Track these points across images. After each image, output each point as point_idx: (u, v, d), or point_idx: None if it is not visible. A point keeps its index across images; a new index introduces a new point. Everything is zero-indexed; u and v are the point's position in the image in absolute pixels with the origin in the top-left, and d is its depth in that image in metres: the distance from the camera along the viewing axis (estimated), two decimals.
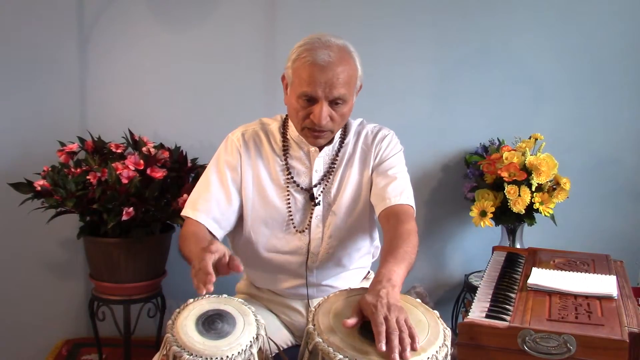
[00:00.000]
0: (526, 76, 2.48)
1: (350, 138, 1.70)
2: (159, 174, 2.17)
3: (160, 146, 2.34)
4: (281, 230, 1.67)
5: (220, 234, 1.64)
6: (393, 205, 1.58)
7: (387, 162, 1.67)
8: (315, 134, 1.59)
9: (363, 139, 1.70)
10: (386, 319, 1.21)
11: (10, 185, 2.21)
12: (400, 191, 1.61)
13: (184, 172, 2.29)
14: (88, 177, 2.13)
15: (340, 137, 1.70)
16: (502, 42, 2.46)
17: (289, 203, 1.66)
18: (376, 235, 1.80)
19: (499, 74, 2.48)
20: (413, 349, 1.19)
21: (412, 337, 1.20)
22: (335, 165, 1.68)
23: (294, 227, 1.67)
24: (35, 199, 2.19)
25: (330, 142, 1.67)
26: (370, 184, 1.67)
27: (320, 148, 1.66)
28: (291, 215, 1.67)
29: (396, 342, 1.17)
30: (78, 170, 2.18)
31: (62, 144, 2.30)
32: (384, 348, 1.16)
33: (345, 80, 1.54)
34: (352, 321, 1.23)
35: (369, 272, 1.87)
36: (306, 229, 1.67)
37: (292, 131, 1.68)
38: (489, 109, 2.50)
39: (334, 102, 1.54)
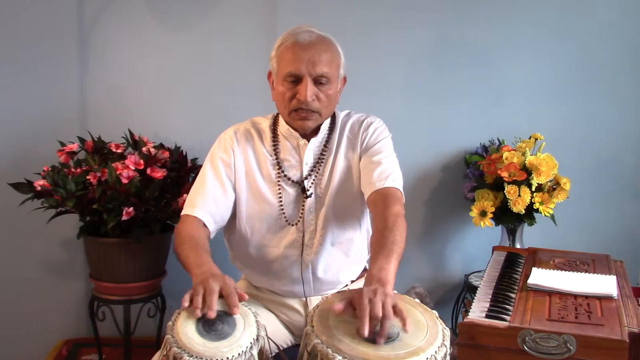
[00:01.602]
0: (526, 76, 2.47)
1: (337, 128, 1.73)
2: (159, 174, 2.17)
3: (160, 146, 2.34)
4: (275, 224, 1.69)
5: (212, 228, 1.65)
6: (379, 189, 1.59)
7: (373, 148, 1.69)
8: (302, 115, 1.62)
9: (349, 128, 1.73)
10: (371, 301, 1.23)
11: (10, 185, 2.21)
12: (386, 175, 1.62)
13: (184, 172, 2.29)
14: (88, 177, 2.13)
15: (328, 129, 1.72)
16: (502, 42, 2.46)
17: (280, 197, 1.68)
18: (368, 225, 1.80)
19: (499, 74, 2.47)
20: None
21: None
22: (324, 156, 1.70)
23: (286, 220, 1.68)
24: (35, 199, 2.19)
25: (317, 131, 1.69)
26: (359, 172, 1.69)
27: (309, 139, 1.69)
28: (282, 209, 1.68)
29: (366, 319, 1.20)
30: (78, 170, 2.18)
31: (62, 144, 2.30)
32: (365, 334, 1.19)
33: (328, 59, 1.60)
34: (339, 306, 1.26)
35: (365, 269, 1.87)
36: (298, 221, 1.69)
37: (282, 126, 1.71)
38: (489, 109, 2.50)
39: (318, 82, 1.59)
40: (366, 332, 1.19)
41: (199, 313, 1.27)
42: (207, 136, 2.43)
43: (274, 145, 1.71)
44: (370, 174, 1.63)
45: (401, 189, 1.63)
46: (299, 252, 1.70)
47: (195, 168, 2.31)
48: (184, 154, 2.34)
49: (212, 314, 1.27)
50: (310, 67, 1.57)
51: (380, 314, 1.21)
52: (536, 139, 2.29)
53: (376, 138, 1.70)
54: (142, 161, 2.16)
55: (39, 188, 2.14)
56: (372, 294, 1.25)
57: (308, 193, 1.68)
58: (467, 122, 2.50)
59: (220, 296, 1.33)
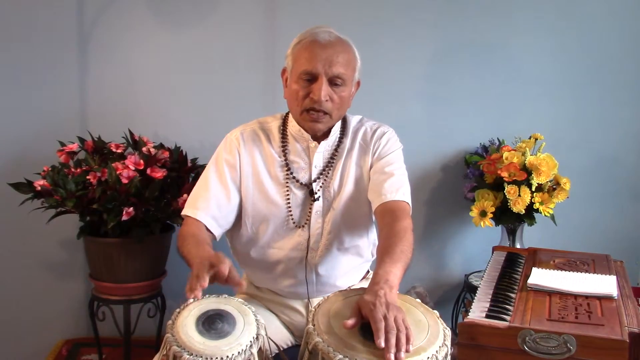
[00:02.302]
0: (526, 76, 2.48)
1: (349, 134, 1.72)
2: (159, 174, 2.17)
3: (160, 146, 2.34)
4: (281, 226, 1.68)
5: (218, 232, 1.65)
6: (389, 201, 1.59)
7: (385, 158, 1.68)
8: (313, 116, 1.60)
9: (362, 136, 1.72)
10: (385, 317, 1.22)
11: (10, 185, 2.21)
12: (397, 188, 1.61)
13: (184, 172, 2.29)
14: (88, 177, 2.13)
15: (339, 133, 1.71)
16: (502, 42, 2.46)
17: (288, 199, 1.67)
18: (374, 231, 1.80)
19: (499, 74, 2.48)
20: (406, 350, 1.19)
21: (407, 339, 1.20)
22: (334, 160, 1.69)
23: (293, 222, 1.67)
24: (35, 199, 2.19)
25: (327, 135, 1.68)
26: (368, 180, 1.68)
27: (319, 141, 1.67)
28: (290, 211, 1.67)
29: (393, 341, 1.18)
30: (78, 170, 2.18)
31: (62, 144, 2.30)
32: (382, 345, 1.17)
33: (345, 61, 1.58)
34: (351, 322, 1.24)
35: (368, 271, 1.87)
36: (305, 224, 1.68)
37: (292, 127, 1.69)
38: (489, 109, 2.50)
39: (333, 83, 1.58)
40: (383, 343, 1.17)
41: (198, 294, 1.28)
42: (207, 136, 2.45)
43: (282, 146, 1.69)
44: (380, 185, 1.62)
45: (410, 203, 1.63)
46: (303, 255, 1.69)
47: (195, 168, 2.31)
48: (184, 154, 2.34)
49: (204, 283, 1.29)
50: (327, 67, 1.56)
51: (394, 329, 1.20)
52: (536, 139, 2.29)
53: (389, 149, 1.69)
54: (142, 161, 2.16)
55: (39, 188, 2.14)
56: (385, 309, 1.24)
57: (316, 196, 1.68)
58: (467, 122, 2.50)
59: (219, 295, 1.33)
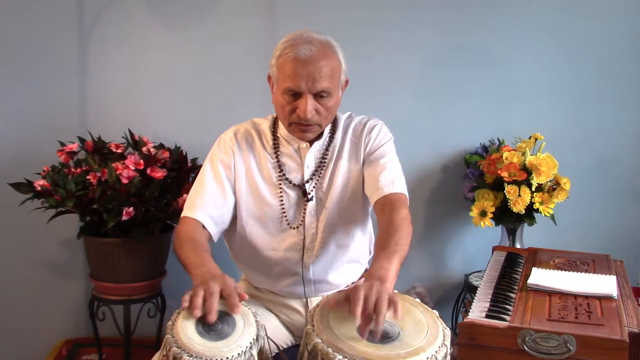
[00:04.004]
0: (526, 76, 2.47)
1: (339, 131, 1.72)
2: (159, 174, 2.17)
3: (160, 146, 2.34)
4: (275, 227, 1.69)
5: (214, 230, 1.64)
6: (387, 194, 1.59)
7: (378, 151, 1.68)
8: (302, 128, 1.61)
9: (352, 131, 1.72)
10: (366, 296, 1.24)
11: (10, 185, 2.21)
12: (392, 180, 1.62)
13: (184, 172, 2.29)
14: (88, 177, 2.13)
15: (329, 132, 1.71)
16: (502, 42, 2.46)
17: (282, 200, 1.67)
18: (369, 227, 1.80)
19: (499, 74, 2.48)
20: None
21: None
22: (326, 160, 1.69)
23: (288, 223, 1.68)
24: (35, 199, 2.19)
25: (319, 136, 1.68)
26: (362, 176, 1.68)
27: (311, 143, 1.68)
28: (284, 212, 1.67)
29: (369, 305, 1.22)
30: (78, 170, 2.18)
31: (62, 144, 2.30)
32: (358, 321, 1.21)
33: (328, 73, 1.56)
34: (333, 300, 1.29)
35: (366, 269, 1.86)
36: (300, 224, 1.68)
37: (282, 129, 1.70)
38: (489, 109, 2.50)
39: (318, 96, 1.57)
40: (358, 321, 1.21)
41: (198, 313, 1.26)
42: (207, 136, 2.43)
43: (274, 147, 1.70)
44: (376, 179, 1.63)
45: (406, 193, 1.64)
46: (299, 255, 1.70)
47: (195, 168, 2.31)
48: (184, 154, 2.34)
49: (212, 318, 1.26)
50: (310, 84, 1.54)
51: (372, 308, 1.22)
52: (536, 139, 2.29)
53: (380, 142, 1.69)
54: (142, 161, 2.16)
55: (39, 188, 2.14)
56: (368, 289, 1.26)
57: (309, 197, 1.68)
58: (467, 122, 2.50)
59: (221, 297, 1.32)
